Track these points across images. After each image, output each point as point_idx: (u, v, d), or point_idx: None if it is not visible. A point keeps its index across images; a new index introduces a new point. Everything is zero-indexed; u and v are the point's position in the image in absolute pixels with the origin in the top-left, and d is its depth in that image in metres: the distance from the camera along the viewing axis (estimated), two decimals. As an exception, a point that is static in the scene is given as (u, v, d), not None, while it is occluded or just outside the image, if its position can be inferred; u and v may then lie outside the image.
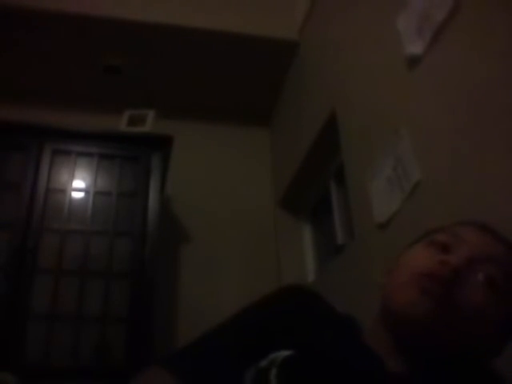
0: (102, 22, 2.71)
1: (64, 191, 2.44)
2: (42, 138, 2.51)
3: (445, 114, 1.47)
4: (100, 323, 2.21)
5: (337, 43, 2.39)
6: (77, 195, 2.48)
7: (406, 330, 0.72)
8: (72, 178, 2.48)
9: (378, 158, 1.84)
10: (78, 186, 2.50)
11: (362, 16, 2.12)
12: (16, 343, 2.06)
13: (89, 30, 2.75)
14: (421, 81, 1.62)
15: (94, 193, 2.47)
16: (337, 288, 2.18)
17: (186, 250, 2.93)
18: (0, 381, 1.67)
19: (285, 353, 0.71)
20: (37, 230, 2.29)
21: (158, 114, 2.76)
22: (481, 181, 1.30)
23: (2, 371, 1.81)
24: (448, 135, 1.45)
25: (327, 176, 2.76)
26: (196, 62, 3.01)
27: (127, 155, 2.60)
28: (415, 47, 1.63)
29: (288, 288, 0.87)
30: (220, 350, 0.75)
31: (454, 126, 1.42)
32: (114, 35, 2.79)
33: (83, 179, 2.52)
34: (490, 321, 0.71)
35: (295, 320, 0.79)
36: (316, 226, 3.04)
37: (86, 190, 2.49)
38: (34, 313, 2.15)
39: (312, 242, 3.03)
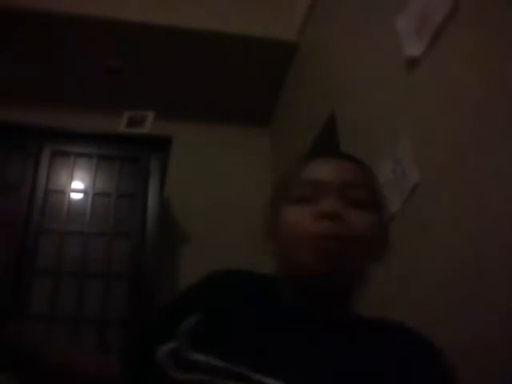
0: (102, 23, 2.71)
1: (63, 192, 2.44)
2: (42, 139, 2.51)
3: (444, 115, 1.47)
4: (99, 325, 2.21)
5: (336, 44, 2.39)
6: (76, 196, 2.48)
7: (315, 283, 0.78)
8: (71, 179, 2.48)
9: (377, 160, 1.84)
10: (77, 187, 2.49)
11: (361, 17, 2.12)
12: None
13: (89, 32, 2.75)
14: (420, 82, 1.61)
15: (93, 194, 2.46)
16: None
17: (185, 251, 2.93)
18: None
19: (190, 322, 0.74)
20: (36, 230, 2.29)
21: (157, 115, 2.76)
22: (480, 183, 1.29)
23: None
24: (447, 137, 1.45)
25: (327, 177, 2.75)
26: (195, 64, 3.01)
27: (126, 156, 2.60)
28: (414, 48, 1.62)
29: (205, 277, 0.89)
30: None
31: (453, 127, 1.42)
32: (114, 37, 2.79)
33: (82, 180, 2.51)
34: (370, 235, 0.79)
35: (206, 301, 0.82)
36: (315, 227, 3.03)
37: (85, 191, 2.48)
38: (32, 313, 2.14)
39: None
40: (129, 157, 2.60)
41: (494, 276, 1.20)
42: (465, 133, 1.37)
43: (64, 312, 2.19)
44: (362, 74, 2.06)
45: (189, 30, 2.80)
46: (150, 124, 2.70)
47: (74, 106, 3.05)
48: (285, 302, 0.81)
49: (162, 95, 3.14)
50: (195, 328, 0.73)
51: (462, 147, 1.38)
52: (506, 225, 1.18)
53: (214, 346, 0.70)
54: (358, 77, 2.10)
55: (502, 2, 1.29)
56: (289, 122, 3.11)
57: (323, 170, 0.83)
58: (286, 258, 0.82)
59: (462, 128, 1.38)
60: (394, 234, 1.70)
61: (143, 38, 2.81)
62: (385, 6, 1.89)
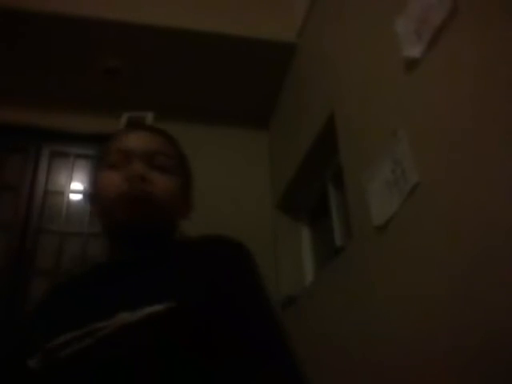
0: (101, 24, 2.71)
1: (62, 193, 2.44)
2: (41, 140, 2.51)
3: (443, 116, 1.47)
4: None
5: (335, 46, 2.39)
6: (75, 197, 2.48)
7: (127, 230, 0.90)
8: (70, 179, 2.48)
9: (377, 161, 1.85)
10: (76, 188, 2.49)
11: (360, 19, 2.13)
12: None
13: (88, 33, 2.75)
14: (419, 83, 1.62)
15: (92, 195, 2.46)
16: (335, 290, 2.18)
17: (184, 252, 2.92)
18: None
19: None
20: (35, 231, 2.29)
21: (156, 116, 2.76)
22: (479, 183, 1.30)
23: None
24: (446, 137, 1.45)
25: (326, 178, 2.76)
26: (194, 65, 3.01)
27: (126, 157, 2.60)
28: (413, 50, 1.63)
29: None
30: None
31: (453, 128, 1.43)
32: (113, 37, 2.79)
33: (81, 181, 2.51)
34: (170, 193, 0.95)
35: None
36: (314, 229, 3.04)
37: (83, 192, 2.49)
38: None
39: (310, 244, 3.03)
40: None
41: (495, 275, 1.20)
42: (464, 133, 1.37)
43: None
44: (362, 75, 2.07)
45: (188, 31, 2.80)
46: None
47: (73, 107, 3.05)
48: (102, 262, 0.96)
49: (160, 96, 3.14)
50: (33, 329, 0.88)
51: (461, 147, 1.38)
52: (506, 224, 1.19)
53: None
54: (358, 78, 2.11)
55: (500, 3, 1.30)
56: (288, 123, 3.12)
57: (131, 141, 0.97)
58: (104, 215, 0.94)
59: (461, 128, 1.39)
60: (393, 233, 1.71)
61: (142, 38, 2.81)
62: (384, 8, 1.89)
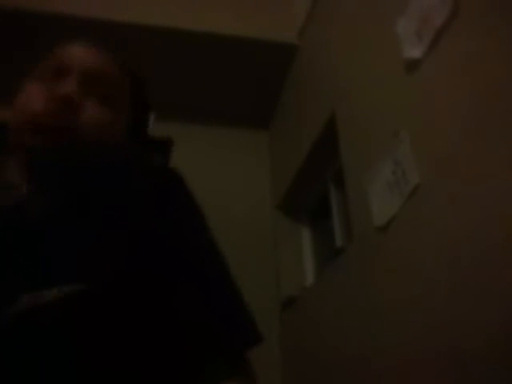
0: (101, 25, 2.71)
1: None
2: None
3: (444, 117, 1.47)
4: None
5: (336, 46, 2.39)
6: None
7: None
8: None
9: (378, 161, 1.85)
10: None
11: (361, 19, 2.13)
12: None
13: (88, 33, 2.75)
14: (420, 84, 1.62)
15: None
16: (336, 291, 2.18)
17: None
18: None
19: None
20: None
21: (157, 116, 2.76)
22: (480, 184, 1.30)
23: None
24: (447, 138, 1.45)
25: (326, 179, 2.76)
26: (195, 65, 3.01)
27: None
28: (414, 51, 1.63)
29: None
30: None
31: (454, 129, 1.43)
32: (113, 39, 2.78)
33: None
34: (111, 132, 0.76)
35: None
36: (315, 229, 3.04)
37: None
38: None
39: (311, 245, 3.03)
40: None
41: (495, 276, 1.20)
42: (465, 134, 1.37)
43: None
44: (362, 76, 2.07)
45: (188, 31, 2.81)
46: (150, 126, 2.70)
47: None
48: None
49: (161, 97, 3.14)
50: None
51: (462, 148, 1.38)
52: (507, 225, 1.19)
53: None
54: (359, 78, 2.11)
55: (501, 5, 1.30)
56: (289, 124, 3.12)
57: (71, 53, 0.80)
58: (13, 136, 0.76)
59: (461, 129, 1.39)
60: (394, 234, 1.71)
61: (143, 40, 2.81)
62: (385, 8, 1.89)
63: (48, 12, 2.63)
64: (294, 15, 2.99)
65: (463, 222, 1.34)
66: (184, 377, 0.66)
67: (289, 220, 3.14)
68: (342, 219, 2.55)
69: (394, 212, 1.70)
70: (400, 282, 1.64)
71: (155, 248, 0.69)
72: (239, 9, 2.91)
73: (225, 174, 3.22)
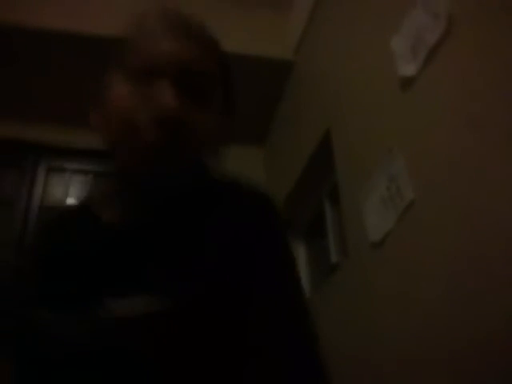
0: (100, 41, 2.73)
1: (58, 209, 2.43)
2: (37, 155, 2.51)
3: (438, 134, 1.48)
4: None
5: (332, 63, 2.42)
6: (71, 212, 2.47)
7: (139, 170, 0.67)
8: (66, 195, 2.48)
9: (372, 177, 1.86)
10: (73, 204, 2.49)
11: (356, 37, 2.15)
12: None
13: (87, 49, 2.77)
14: (414, 101, 1.64)
15: (88, 210, 2.46)
16: (331, 307, 2.17)
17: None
18: None
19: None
20: (30, 247, 2.27)
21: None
22: (476, 200, 1.31)
23: None
24: (441, 155, 1.46)
25: (321, 195, 2.77)
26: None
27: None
28: (409, 68, 1.65)
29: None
30: None
31: (448, 145, 1.44)
32: (112, 54, 2.80)
33: (77, 197, 2.51)
34: (210, 137, 0.71)
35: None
36: (310, 245, 3.04)
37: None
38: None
39: (306, 260, 3.02)
40: (124, 173, 2.60)
41: (493, 290, 1.20)
42: (459, 151, 1.38)
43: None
44: (358, 93, 2.09)
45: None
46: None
47: (71, 121, 3.05)
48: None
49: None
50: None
51: (457, 164, 1.39)
52: (502, 240, 1.19)
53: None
54: (354, 95, 2.12)
55: (494, 22, 1.32)
56: (284, 139, 3.13)
57: (160, 49, 0.69)
58: (107, 143, 0.72)
59: (456, 146, 1.40)
60: (389, 250, 1.71)
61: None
62: (380, 26, 1.92)
63: (39, 28, 2.64)
64: (289, 32, 3.02)
65: (458, 238, 1.35)
66: None
67: (284, 236, 3.13)
68: (336, 235, 2.55)
69: (388, 228, 1.70)
70: (396, 298, 1.64)
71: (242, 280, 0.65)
72: (235, 25, 2.93)
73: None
